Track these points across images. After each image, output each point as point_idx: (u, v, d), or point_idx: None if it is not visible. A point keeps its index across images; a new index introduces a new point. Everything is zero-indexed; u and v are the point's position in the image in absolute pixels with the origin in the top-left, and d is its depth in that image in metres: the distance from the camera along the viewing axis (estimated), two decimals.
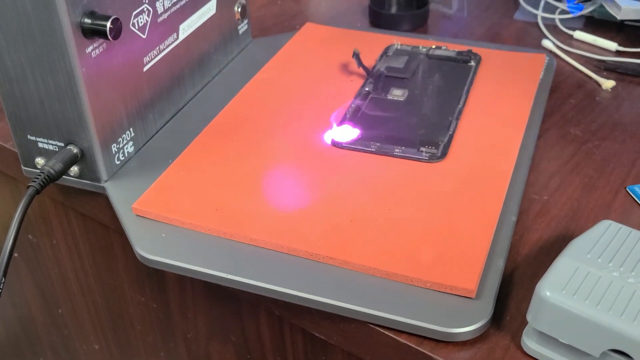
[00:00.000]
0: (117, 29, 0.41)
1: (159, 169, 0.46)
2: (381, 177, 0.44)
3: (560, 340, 0.33)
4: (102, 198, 0.46)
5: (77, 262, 0.55)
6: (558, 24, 0.64)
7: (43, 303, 0.63)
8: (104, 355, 0.61)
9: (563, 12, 0.65)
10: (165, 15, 0.48)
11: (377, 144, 0.46)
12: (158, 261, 0.40)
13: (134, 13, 0.44)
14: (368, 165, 0.45)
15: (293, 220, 0.41)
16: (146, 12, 0.45)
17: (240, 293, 0.42)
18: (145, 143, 0.49)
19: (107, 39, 0.40)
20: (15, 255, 0.61)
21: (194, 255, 0.40)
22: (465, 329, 0.35)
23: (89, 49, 0.41)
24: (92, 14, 0.40)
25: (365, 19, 0.67)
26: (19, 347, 0.72)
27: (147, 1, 0.45)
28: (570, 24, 0.64)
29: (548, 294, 0.33)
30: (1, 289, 0.39)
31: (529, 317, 0.34)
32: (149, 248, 0.40)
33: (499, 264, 0.38)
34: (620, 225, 0.38)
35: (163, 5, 0.47)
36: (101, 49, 0.42)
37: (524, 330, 0.35)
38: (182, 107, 0.52)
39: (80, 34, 0.40)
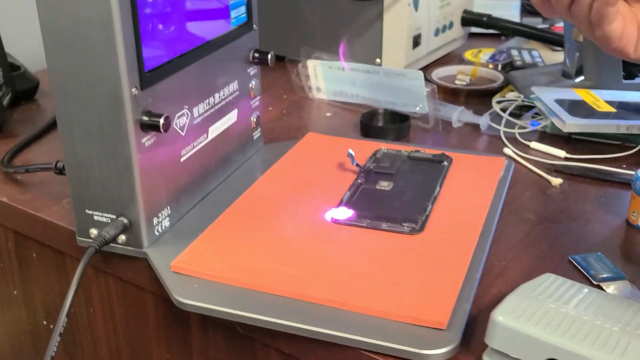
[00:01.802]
0: (167, 124, 0.52)
1: (190, 239, 0.56)
2: (372, 245, 0.54)
3: (510, 355, 0.42)
4: (140, 263, 0.56)
5: (110, 326, 0.64)
6: (517, 136, 0.77)
7: None
8: None
9: (521, 127, 0.79)
10: (199, 119, 0.60)
11: (368, 220, 0.57)
12: (191, 304, 0.49)
13: (177, 115, 0.57)
14: (361, 237, 0.56)
15: (299, 274, 0.51)
16: (186, 115, 0.58)
17: (255, 335, 0.51)
18: (178, 220, 0.59)
19: (160, 132, 0.52)
20: (51, 326, 0.70)
21: (219, 300, 0.49)
22: (437, 351, 0.44)
23: (144, 140, 0.52)
24: (149, 113, 0.52)
25: (357, 131, 0.80)
26: None
27: (187, 107, 0.58)
28: (528, 136, 0.77)
29: (499, 318, 0.43)
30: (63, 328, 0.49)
31: (486, 338, 0.43)
32: (184, 295, 0.50)
33: (466, 307, 0.48)
34: (559, 276, 0.48)
35: (198, 111, 0.60)
36: (152, 141, 0.53)
37: (484, 353, 0.45)
38: (208, 194, 0.63)
39: (139, 128, 0.52)
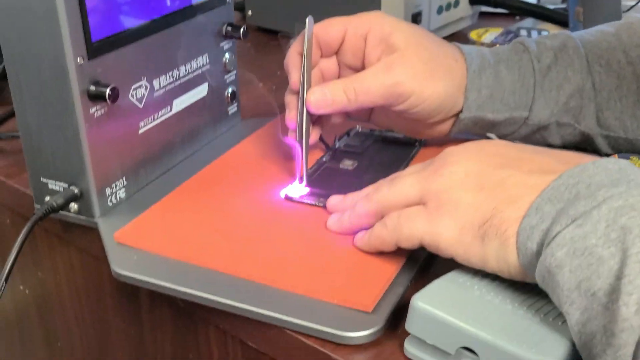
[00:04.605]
0: (115, 95, 0.52)
1: (142, 210, 0.56)
2: (318, 224, 0.53)
3: (427, 341, 0.41)
4: (95, 233, 0.56)
5: (75, 294, 0.65)
6: None
7: (45, 337, 0.72)
8: None
9: None
10: (161, 91, 0.60)
11: (321, 199, 0.56)
12: (127, 276, 0.49)
13: (134, 86, 0.56)
14: (310, 215, 0.55)
15: (238, 251, 0.50)
16: (144, 86, 0.58)
17: (194, 310, 0.51)
18: (136, 192, 0.59)
19: (107, 102, 0.52)
20: (27, 292, 0.72)
21: (157, 273, 0.49)
22: (358, 334, 0.43)
23: (93, 110, 0.52)
24: (96, 83, 0.52)
25: None
26: None
27: (145, 78, 0.57)
28: None
29: (418, 303, 0.41)
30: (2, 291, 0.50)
31: (406, 324, 0.42)
32: (122, 266, 0.50)
33: (399, 290, 0.47)
34: None
35: (159, 83, 0.59)
36: (103, 111, 0.53)
37: (406, 339, 0.43)
38: (171, 168, 0.63)
39: (87, 98, 0.52)
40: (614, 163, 0.40)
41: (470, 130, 0.63)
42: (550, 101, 0.61)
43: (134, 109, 0.57)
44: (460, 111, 0.60)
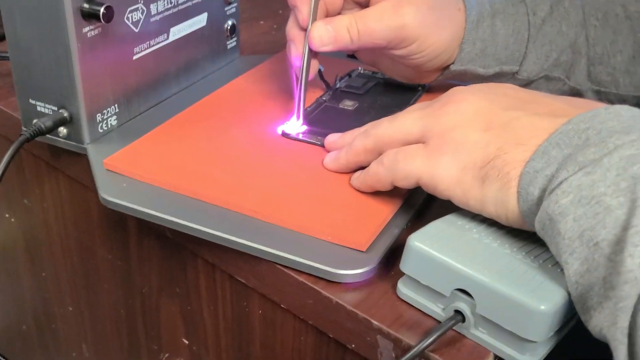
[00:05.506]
0: (109, 15, 0.50)
1: (134, 139, 0.54)
2: (315, 162, 0.52)
3: (421, 282, 0.40)
4: (84, 161, 0.55)
5: (62, 224, 0.63)
6: None
7: (31, 267, 0.71)
8: (76, 317, 0.69)
9: None
10: (157, 17, 0.57)
11: (320, 137, 0.54)
12: (116, 203, 0.48)
13: (129, 9, 0.54)
14: (306, 153, 0.53)
15: (230, 184, 0.49)
16: (140, 10, 0.55)
17: (183, 242, 0.50)
18: (128, 121, 0.57)
19: (100, 21, 0.50)
20: (12, 220, 0.70)
21: (146, 201, 0.48)
22: (351, 272, 0.42)
23: (86, 29, 0.50)
24: (90, 1, 0.49)
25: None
26: (5, 315, 0.80)
27: (142, 1, 0.55)
28: None
29: (414, 242, 0.40)
30: None
31: (400, 264, 0.41)
32: (111, 193, 0.48)
33: (395, 232, 0.46)
34: None
35: (157, 8, 0.57)
36: (96, 32, 0.51)
37: (400, 279, 0.42)
38: (165, 99, 0.61)
39: (80, 16, 0.49)
40: (627, 110, 0.38)
41: (456, 79, 0.61)
42: (542, 56, 0.59)
43: (129, 32, 0.55)
44: (453, 62, 0.58)
